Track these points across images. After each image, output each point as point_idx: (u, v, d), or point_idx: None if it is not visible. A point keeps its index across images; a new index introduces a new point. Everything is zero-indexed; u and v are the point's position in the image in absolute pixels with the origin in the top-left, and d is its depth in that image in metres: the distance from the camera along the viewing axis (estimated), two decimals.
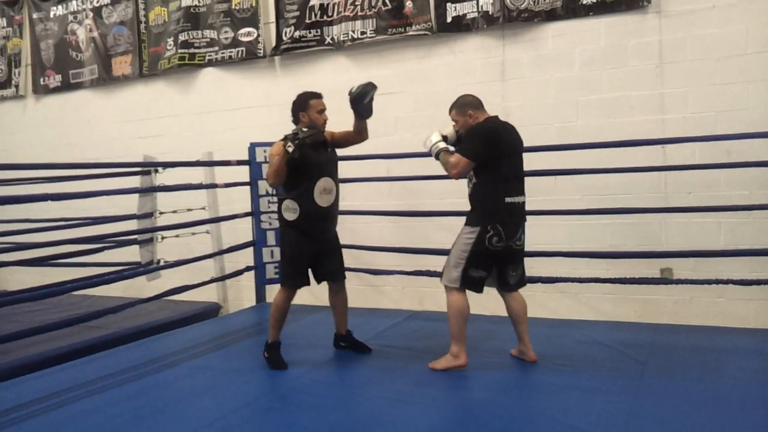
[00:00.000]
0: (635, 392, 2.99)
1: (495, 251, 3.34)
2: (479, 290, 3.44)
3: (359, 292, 5.45)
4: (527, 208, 3.47)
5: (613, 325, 4.36)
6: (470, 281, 3.38)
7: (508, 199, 3.33)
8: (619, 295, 4.66)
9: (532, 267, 4.59)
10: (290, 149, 3.41)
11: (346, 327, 3.91)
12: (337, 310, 3.88)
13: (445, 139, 3.50)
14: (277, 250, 5.00)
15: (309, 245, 3.62)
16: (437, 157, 3.48)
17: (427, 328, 4.38)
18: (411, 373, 3.38)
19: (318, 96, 3.67)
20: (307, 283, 3.72)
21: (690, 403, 2.84)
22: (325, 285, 3.85)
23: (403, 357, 3.71)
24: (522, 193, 3.43)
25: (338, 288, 3.84)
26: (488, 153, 3.32)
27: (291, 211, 3.56)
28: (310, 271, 3.71)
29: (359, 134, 3.74)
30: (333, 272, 3.79)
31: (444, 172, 4.79)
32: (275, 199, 4.66)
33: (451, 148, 3.48)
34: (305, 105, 3.64)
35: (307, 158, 3.51)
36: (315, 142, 3.52)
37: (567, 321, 4.49)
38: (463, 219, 4.95)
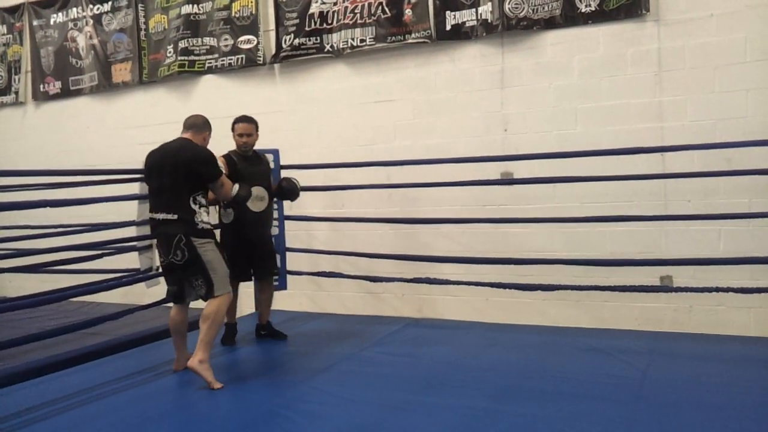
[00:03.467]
0: (635, 400, 2.99)
1: (167, 265, 3.50)
2: (178, 302, 3.61)
3: (358, 299, 5.44)
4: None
5: (613, 332, 4.35)
6: (168, 293, 3.64)
7: (150, 215, 3.52)
8: (619, 303, 4.65)
9: (532, 274, 4.60)
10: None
11: (267, 318, 4.43)
12: (263, 303, 4.43)
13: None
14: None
15: (244, 245, 4.08)
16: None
17: (427, 335, 4.37)
18: (411, 381, 3.38)
19: (241, 120, 4.18)
20: (249, 278, 4.24)
21: (690, 411, 2.83)
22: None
23: (402, 365, 3.70)
24: (162, 209, 3.42)
25: (267, 284, 4.41)
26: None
27: (227, 215, 4.12)
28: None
29: None
30: (263, 271, 4.30)
31: (444, 180, 4.84)
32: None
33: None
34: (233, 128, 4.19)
35: (240, 170, 4.01)
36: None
37: (566, 329, 4.49)
38: (463, 226, 5.04)
